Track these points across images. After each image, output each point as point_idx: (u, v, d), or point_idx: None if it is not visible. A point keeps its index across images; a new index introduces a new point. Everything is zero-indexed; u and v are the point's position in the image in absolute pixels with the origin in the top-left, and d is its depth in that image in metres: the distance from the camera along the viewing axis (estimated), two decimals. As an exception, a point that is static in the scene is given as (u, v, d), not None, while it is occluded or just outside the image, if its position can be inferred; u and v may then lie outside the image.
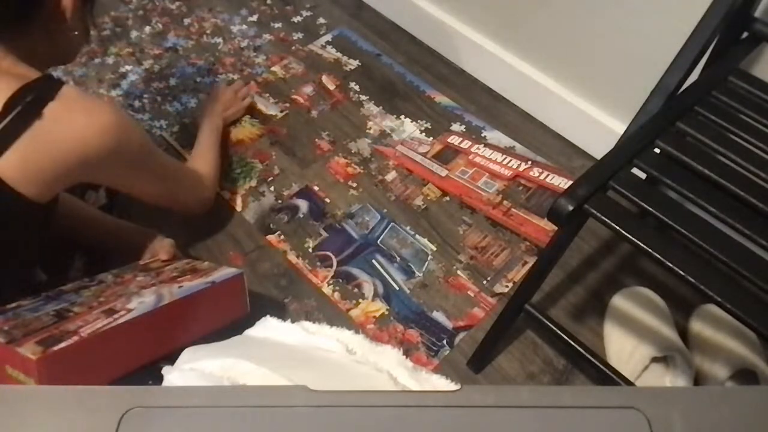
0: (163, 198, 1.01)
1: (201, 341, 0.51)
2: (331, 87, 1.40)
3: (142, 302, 0.80)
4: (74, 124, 0.77)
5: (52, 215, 0.87)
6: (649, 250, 0.69)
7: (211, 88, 1.35)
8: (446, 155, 1.29)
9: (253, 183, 1.23)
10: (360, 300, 1.08)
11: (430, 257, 1.14)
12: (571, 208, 0.72)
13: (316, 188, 1.23)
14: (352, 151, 1.29)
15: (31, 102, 0.74)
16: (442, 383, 0.41)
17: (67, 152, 0.77)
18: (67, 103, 0.77)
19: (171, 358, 0.48)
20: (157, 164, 0.95)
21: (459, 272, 1.12)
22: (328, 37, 1.51)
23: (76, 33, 0.87)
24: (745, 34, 0.90)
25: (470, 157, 1.28)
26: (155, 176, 0.96)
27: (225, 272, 0.91)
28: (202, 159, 1.14)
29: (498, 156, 1.29)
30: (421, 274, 1.12)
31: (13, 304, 0.82)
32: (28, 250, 0.86)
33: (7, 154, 0.73)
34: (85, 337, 0.71)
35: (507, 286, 1.11)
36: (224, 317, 0.88)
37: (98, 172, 0.85)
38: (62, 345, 0.70)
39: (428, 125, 1.34)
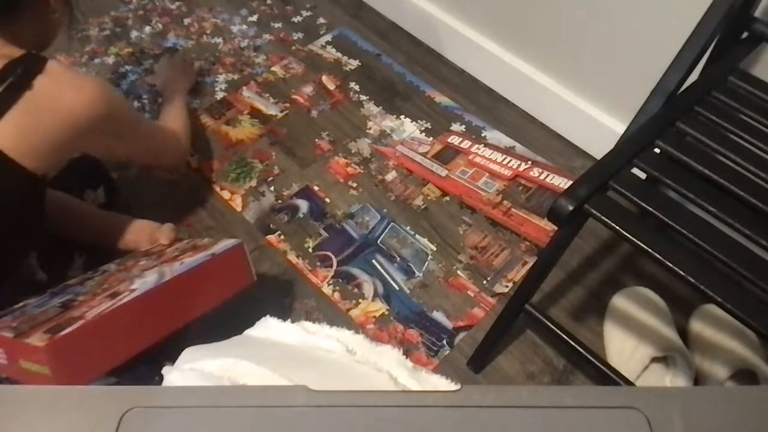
0: (147, 157, 1.10)
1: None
2: (331, 87, 1.40)
3: (144, 282, 0.81)
4: (64, 97, 0.81)
5: (44, 197, 0.89)
6: (649, 250, 0.69)
7: (163, 62, 1.37)
8: (446, 155, 1.29)
9: (253, 183, 1.23)
10: (360, 300, 1.08)
11: (430, 257, 1.14)
12: (571, 208, 0.72)
13: (316, 188, 1.23)
14: (352, 151, 1.29)
15: (21, 75, 0.78)
16: (442, 383, 0.41)
17: (60, 124, 0.81)
18: (55, 76, 0.81)
19: (171, 358, 0.48)
20: (141, 128, 1.02)
21: (459, 272, 1.12)
22: (328, 37, 1.51)
23: (56, 14, 0.90)
24: (745, 34, 0.90)
25: (470, 157, 1.28)
26: (140, 139, 1.02)
27: (225, 244, 0.92)
28: (173, 118, 1.18)
29: (498, 156, 1.29)
30: (421, 274, 1.12)
31: (20, 304, 0.83)
32: (24, 229, 0.87)
33: (0, 124, 0.76)
34: (90, 319, 0.72)
35: (507, 286, 1.11)
36: (230, 288, 0.89)
37: (90, 141, 0.90)
38: (68, 330, 0.70)
39: (428, 125, 1.34)
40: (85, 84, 0.84)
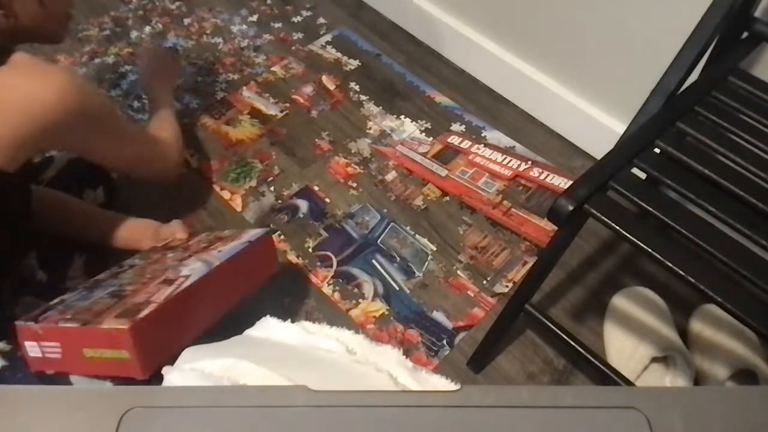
0: (134, 164, 1.01)
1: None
2: (331, 87, 1.40)
3: (193, 269, 0.83)
4: (31, 89, 0.77)
5: (26, 194, 0.87)
6: (649, 250, 0.69)
7: (144, 59, 1.29)
8: (446, 155, 1.29)
9: (253, 183, 1.23)
10: (360, 300, 1.08)
11: (430, 257, 1.14)
12: (571, 208, 0.72)
13: (316, 188, 1.23)
14: (352, 151, 1.29)
15: None
16: (442, 383, 0.41)
17: (25, 117, 0.76)
18: (20, 68, 0.77)
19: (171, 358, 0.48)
20: (122, 128, 0.95)
21: (459, 272, 1.12)
22: (328, 37, 1.51)
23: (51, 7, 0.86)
24: (745, 34, 0.90)
25: (470, 157, 1.28)
26: (122, 140, 0.95)
27: (254, 233, 0.95)
28: (163, 124, 1.12)
29: (498, 156, 1.29)
30: (421, 274, 1.12)
31: (56, 300, 0.83)
32: (11, 227, 0.85)
33: None
34: (162, 302, 0.74)
35: (507, 286, 1.11)
36: (264, 272, 0.94)
37: (62, 138, 0.84)
38: (147, 312, 0.72)
39: (428, 125, 1.34)
40: (54, 75, 0.79)
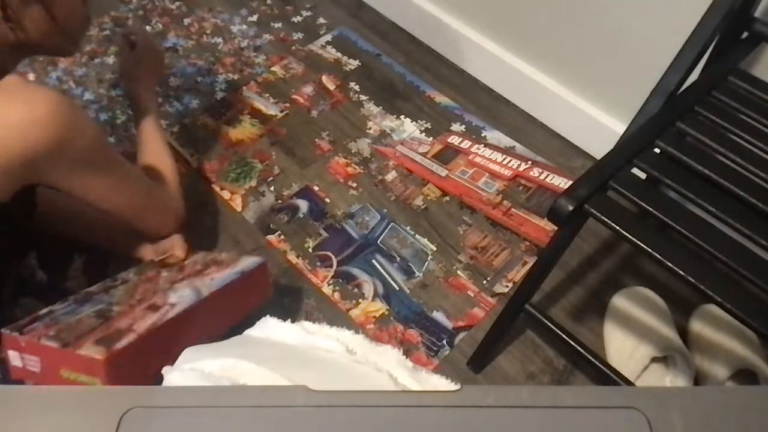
0: (129, 210, 0.91)
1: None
2: (331, 87, 1.40)
3: (181, 296, 0.83)
4: (13, 114, 0.71)
5: (22, 217, 0.86)
6: (649, 250, 0.69)
7: (140, 44, 1.11)
8: (446, 155, 1.29)
9: (253, 183, 1.23)
10: (360, 300, 1.08)
11: (430, 257, 1.14)
12: (571, 208, 0.72)
13: (316, 188, 1.23)
14: (352, 151, 1.29)
15: None
16: (442, 383, 0.41)
17: (6, 147, 0.71)
18: (4, 92, 0.73)
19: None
20: (115, 167, 0.86)
21: (459, 272, 1.12)
22: (328, 37, 1.51)
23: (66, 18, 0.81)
24: (745, 34, 0.90)
25: (470, 157, 1.28)
26: (115, 181, 0.86)
27: (249, 261, 0.95)
28: (160, 160, 1.01)
29: (498, 156, 1.29)
30: (421, 274, 1.12)
31: (45, 310, 0.83)
32: (7, 229, 0.83)
33: None
34: (143, 332, 0.74)
35: (507, 286, 1.11)
36: (255, 302, 0.94)
37: (46, 171, 0.77)
38: (124, 342, 0.72)
39: (428, 125, 1.34)
40: (38, 100, 0.72)
